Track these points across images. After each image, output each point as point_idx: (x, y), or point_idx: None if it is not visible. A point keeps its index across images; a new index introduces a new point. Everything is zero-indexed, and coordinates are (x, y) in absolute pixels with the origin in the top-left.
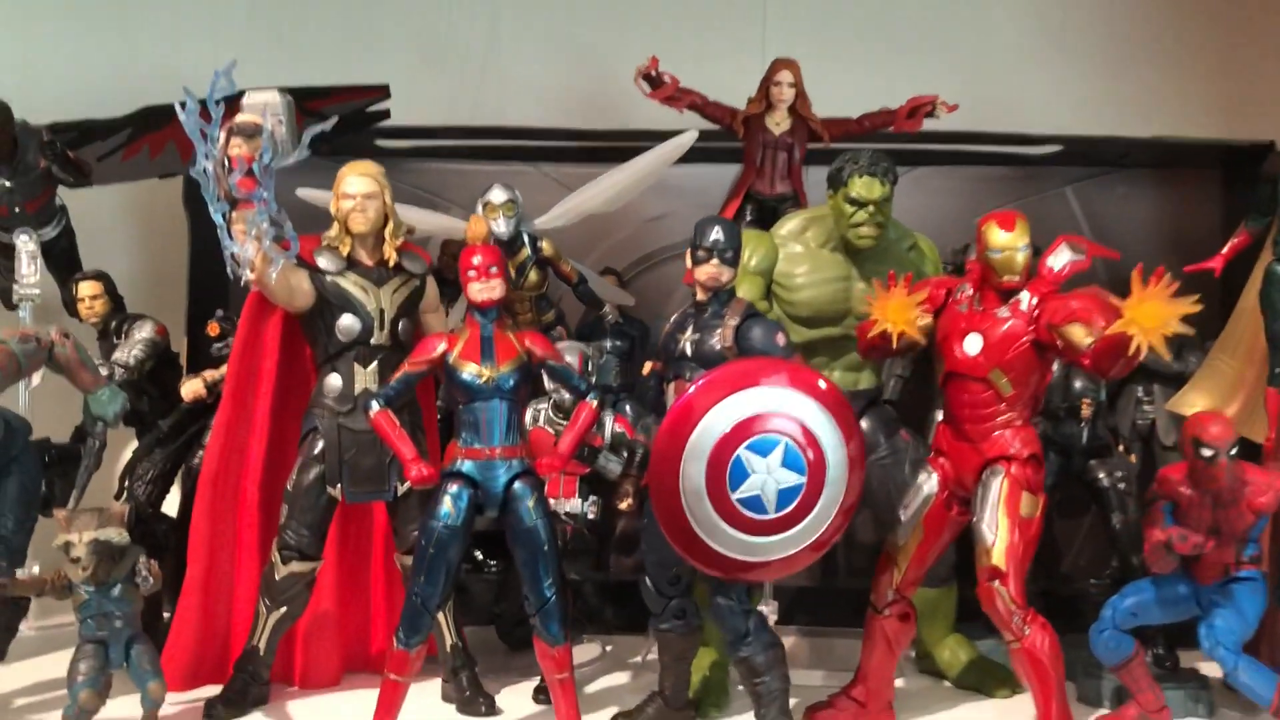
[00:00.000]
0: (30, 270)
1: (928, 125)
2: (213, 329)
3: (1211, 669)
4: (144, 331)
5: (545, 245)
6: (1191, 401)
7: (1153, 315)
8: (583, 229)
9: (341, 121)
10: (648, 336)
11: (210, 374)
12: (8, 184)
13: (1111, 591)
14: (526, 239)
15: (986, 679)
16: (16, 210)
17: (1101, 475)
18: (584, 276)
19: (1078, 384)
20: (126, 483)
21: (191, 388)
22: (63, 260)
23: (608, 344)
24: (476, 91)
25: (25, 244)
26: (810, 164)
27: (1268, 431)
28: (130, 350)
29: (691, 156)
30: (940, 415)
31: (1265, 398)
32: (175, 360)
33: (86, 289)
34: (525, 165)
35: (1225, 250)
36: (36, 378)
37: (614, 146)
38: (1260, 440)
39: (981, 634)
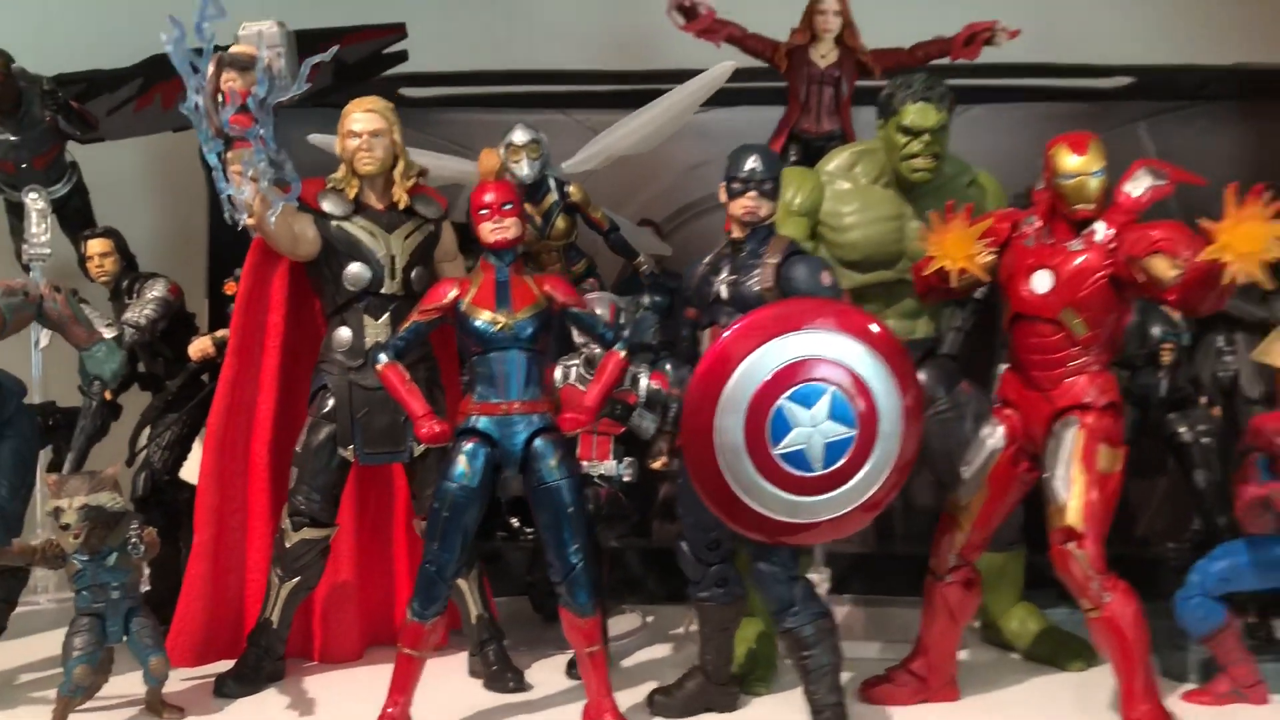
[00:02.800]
0: (41, 229)
1: (987, 56)
2: (229, 288)
3: None
4: (156, 290)
5: (573, 190)
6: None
7: (1250, 238)
8: (617, 179)
9: (357, 66)
10: None
11: (221, 332)
12: (13, 139)
13: (1193, 556)
14: (553, 183)
15: (1060, 650)
16: (24, 166)
17: (1183, 429)
18: (615, 224)
19: (1155, 329)
20: (141, 448)
21: (199, 346)
22: (76, 219)
23: (645, 299)
24: (504, 34)
25: (35, 201)
26: (859, 104)
27: None
28: (142, 310)
29: (731, 98)
30: (1004, 368)
31: None
32: (190, 320)
33: (95, 246)
34: (557, 112)
35: None
36: (45, 338)
37: (648, 89)
38: None
39: (1053, 602)
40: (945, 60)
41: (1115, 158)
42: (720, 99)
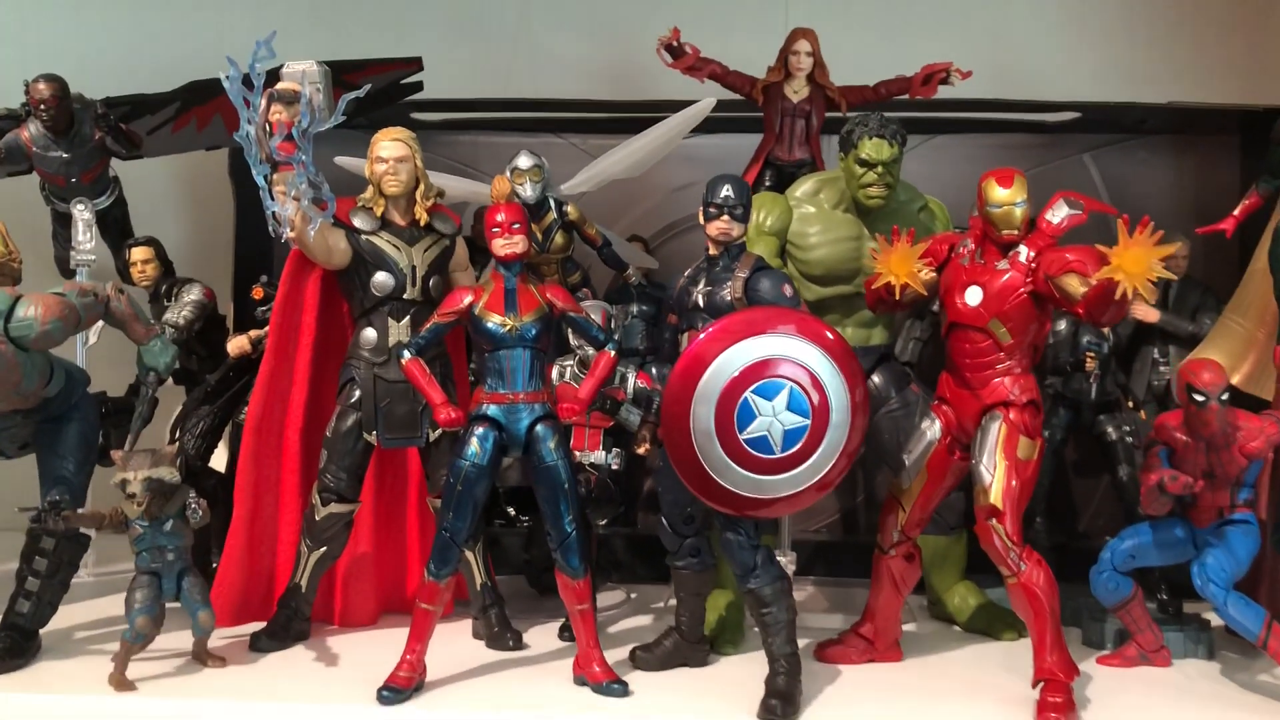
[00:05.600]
0: (86, 237)
1: (946, 92)
2: (257, 293)
3: (1214, 616)
4: (193, 294)
5: (570, 209)
6: None
7: (1138, 261)
8: (610, 199)
9: (377, 94)
10: None
11: (255, 332)
12: (65, 155)
13: None
14: (552, 203)
15: (994, 623)
16: (73, 181)
17: (1110, 429)
18: (608, 240)
19: (1085, 339)
20: (176, 436)
21: (237, 343)
22: (115, 229)
23: (634, 308)
24: (508, 65)
25: (82, 213)
26: (829, 132)
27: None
28: (180, 311)
29: (713, 127)
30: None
31: (1275, 357)
32: (222, 322)
33: (139, 254)
34: (554, 137)
35: (1236, 212)
36: (93, 336)
37: (638, 117)
38: (1270, 398)
39: (991, 583)
40: (906, 96)
41: (1062, 186)
42: (702, 127)
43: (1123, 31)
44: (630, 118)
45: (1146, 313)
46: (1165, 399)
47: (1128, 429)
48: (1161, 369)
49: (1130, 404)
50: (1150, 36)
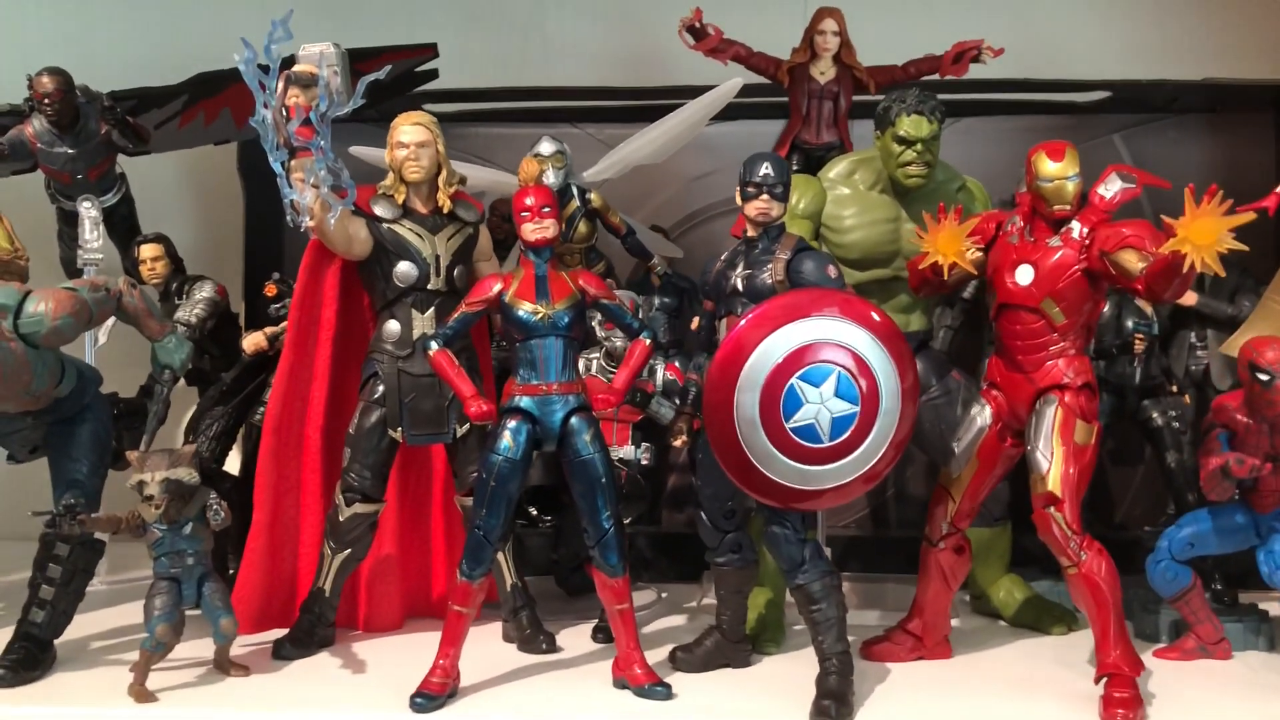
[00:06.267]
0: (94, 235)
1: (974, 73)
2: (270, 290)
3: (1272, 606)
4: (205, 291)
5: (594, 197)
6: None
7: (1206, 231)
8: (631, 188)
9: (390, 84)
10: (696, 293)
11: (271, 329)
12: (71, 151)
13: None
14: (575, 191)
15: (1043, 617)
16: (79, 177)
17: (1155, 414)
18: (632, 229)
19: (1129, 321)
20: (191, 439)
21: (253, 340)
22: (123, 227)
23: (656, 300)
24: (521, 53)
25: (88, 210)
26: (855, 118)
27: None
28: (192, 309)
29: (736, 113)
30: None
31: None
32: (235, 320)
33: (148, 251)
34: (571, 127)
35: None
36: (103, 336)
37: (657, 104)
38: None
39: (1036, 576)
40: (935, 76)
41: (1092, 167)
42: (723, 114)
43: (1153, 6)
44: (649, 105)
45: (1184, 296)
46: (1203, 384)
47: (1174, 414)
48: (1199, 353)
49: (1174, 389)
50: (1181, 10)
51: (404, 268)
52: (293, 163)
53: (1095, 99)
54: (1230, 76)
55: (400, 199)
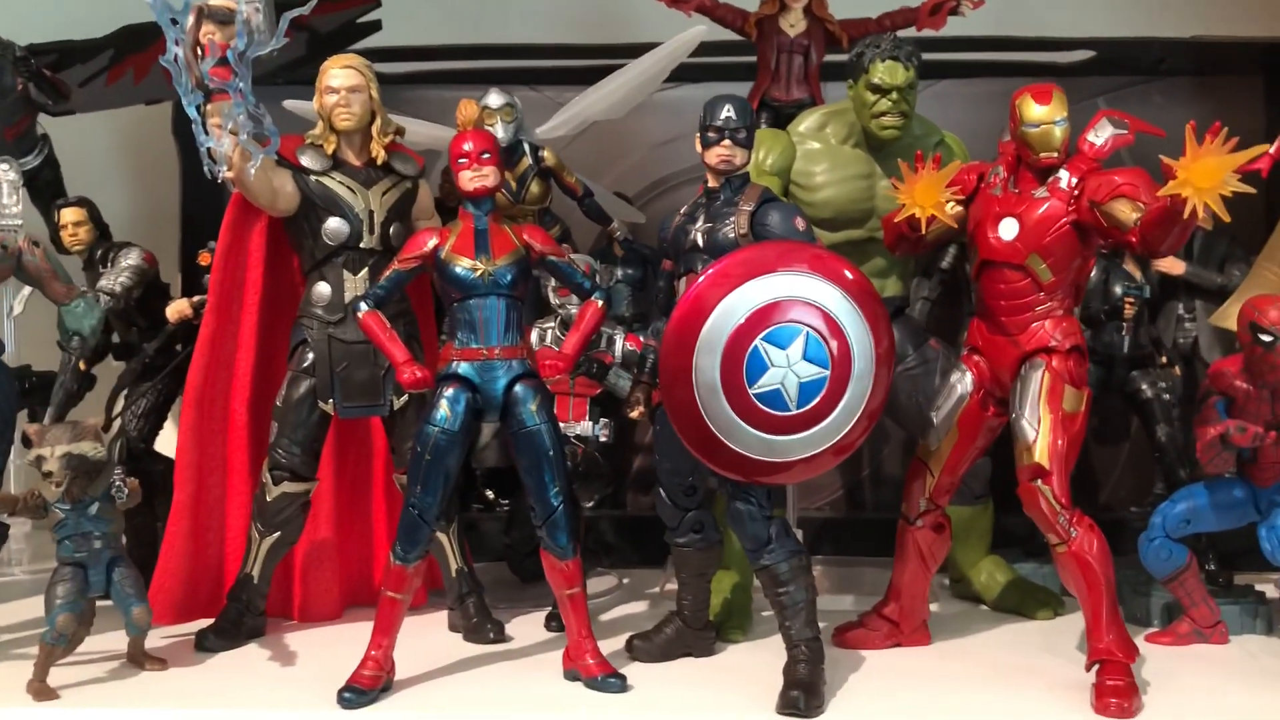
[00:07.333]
0: (12, 200)
1: (951, 30)
2: (204, 259)
3: (1269, 588)
4: (130, 259)
5: (547, 154)
6: (1236, 314)
7: (1210, 172)
8: (591, 154)
9: (331, 35)
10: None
11: (197, 298)
12: None
13: None
14: (527, 148)
15: (1027, 600)
16: None
17: (1144, 386)
18: (589, 190)
19: (1118, 286)
20: (116, 414)
21: (176, 308)
22: (47, 192)
23: (619, 271)
24: (476, 10)
25: (6, 173)
26: (827, 79)
27: None
28: (116, 277)
29: (701, 75)
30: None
31: None
32: (165, 290)
33: (69, 215)
34: (529, 89)
35: (1273, 149)
36: (18, 305)
37: (619, 64)
38: None
39: (1020, 558)
40: (911, 31)
41: (1075, 133)
42: (688, 75)
43: None
44: (611, 64)
45: (1172, 265)
46: (1192, 358)
47: (1164, 385)
48: (1187, 325)
49: (1164, 360)
50: None
51: (334, 224)
52: (209, 107)
53: (1078, 59)
54: (1218, 35)
55: (330, 149)
